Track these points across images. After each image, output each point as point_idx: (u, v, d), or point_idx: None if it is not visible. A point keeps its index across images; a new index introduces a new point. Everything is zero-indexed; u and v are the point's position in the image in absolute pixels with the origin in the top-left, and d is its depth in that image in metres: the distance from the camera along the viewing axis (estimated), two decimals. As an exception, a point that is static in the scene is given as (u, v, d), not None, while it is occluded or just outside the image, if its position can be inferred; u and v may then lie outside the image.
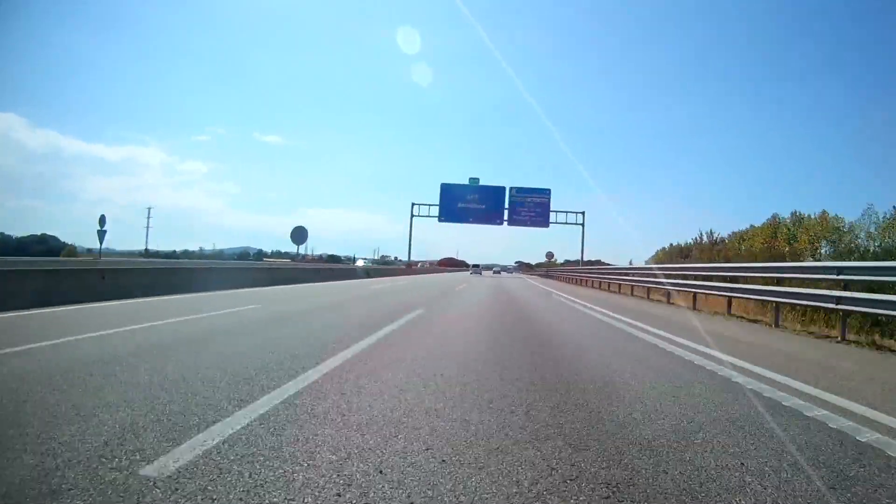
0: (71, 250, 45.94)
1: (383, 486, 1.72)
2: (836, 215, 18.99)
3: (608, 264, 31.62)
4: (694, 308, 10.50)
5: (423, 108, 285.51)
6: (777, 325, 7.68)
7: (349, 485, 1.72)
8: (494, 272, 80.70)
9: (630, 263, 24.35)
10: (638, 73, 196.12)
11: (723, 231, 27.47)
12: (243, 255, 74.65)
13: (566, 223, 41.90)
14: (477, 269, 78.47)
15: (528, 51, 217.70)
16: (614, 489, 1.77)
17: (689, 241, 29.43)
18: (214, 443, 2.06)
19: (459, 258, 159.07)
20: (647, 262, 27.17)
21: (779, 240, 20.60)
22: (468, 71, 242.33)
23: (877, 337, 6.41)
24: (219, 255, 71.87)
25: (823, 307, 6.92)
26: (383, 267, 44.31)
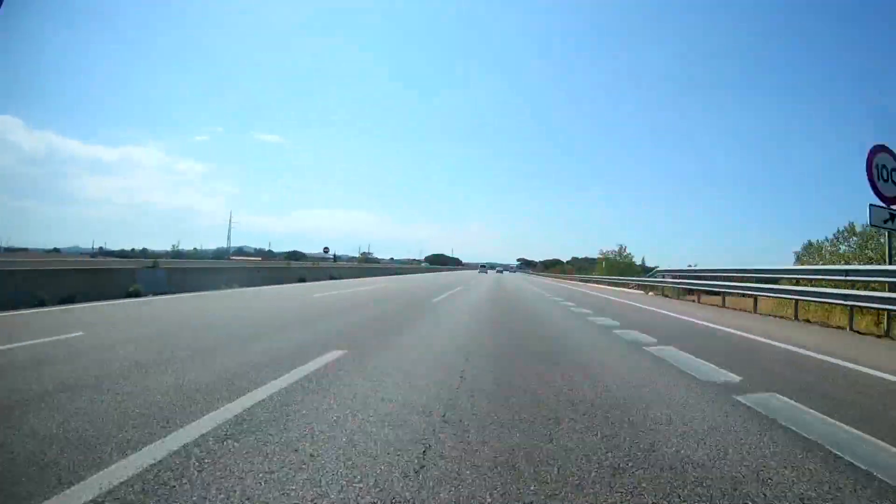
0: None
1: None
2: None
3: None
4: None
5: (422, 112, 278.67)
6: None
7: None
8: (497, 271, 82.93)
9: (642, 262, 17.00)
10: (637, 73, 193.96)
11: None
12: (220, 254, 69.67)
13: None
14: (484, 268, 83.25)
15: (529, 48, 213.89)
16: None
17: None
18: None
19: (453, 256, 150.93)
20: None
21: None
22: (466, 70, 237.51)
23: None
24: (194, 254, 66.86)
25: None
26: (357, 266, 39.40)
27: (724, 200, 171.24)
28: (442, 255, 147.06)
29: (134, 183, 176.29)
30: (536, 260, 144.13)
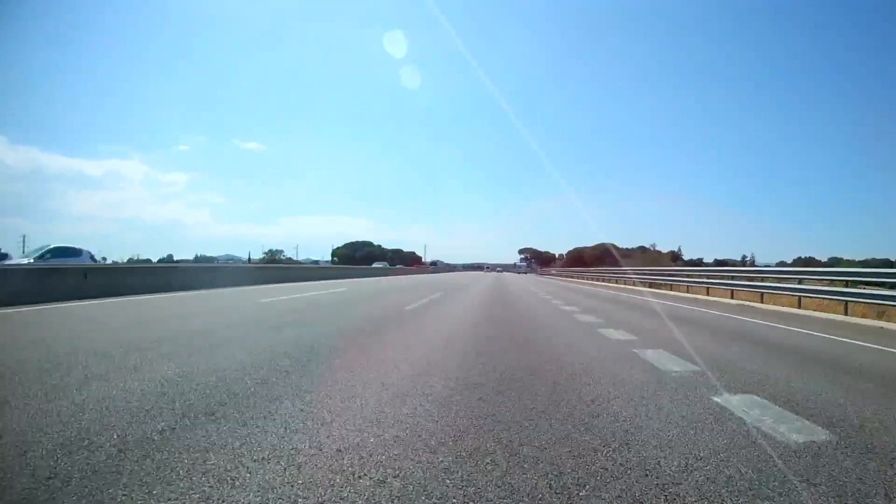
0: None
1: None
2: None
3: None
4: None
5: (410, 112, 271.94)
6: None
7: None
8: (497, 270, 71.16)
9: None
10: (627, 70, 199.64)
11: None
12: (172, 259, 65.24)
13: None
14: (485, 268, 76.28)
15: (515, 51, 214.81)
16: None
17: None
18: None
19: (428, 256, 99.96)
20: None
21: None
22: (456, 74, 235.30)
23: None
24: (146, 260, 62.15)
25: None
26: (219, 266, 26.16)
27: (717, 192, 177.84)
28: (398, 252, 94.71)
29: (120, 197, 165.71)
30: (554, 254, 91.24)
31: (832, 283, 12.03)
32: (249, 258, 75.11)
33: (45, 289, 9.36)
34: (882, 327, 8.26)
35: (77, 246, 19.32)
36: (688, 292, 18.00)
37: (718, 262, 62.17)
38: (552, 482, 1.84)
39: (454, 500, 1.67)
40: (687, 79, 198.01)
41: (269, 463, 1.95)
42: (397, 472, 1.90)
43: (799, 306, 11.34)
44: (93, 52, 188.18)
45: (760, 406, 2.97)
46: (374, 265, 56.66)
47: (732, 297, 14.41)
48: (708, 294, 16.01)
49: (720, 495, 1.77)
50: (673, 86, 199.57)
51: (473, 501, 1.67)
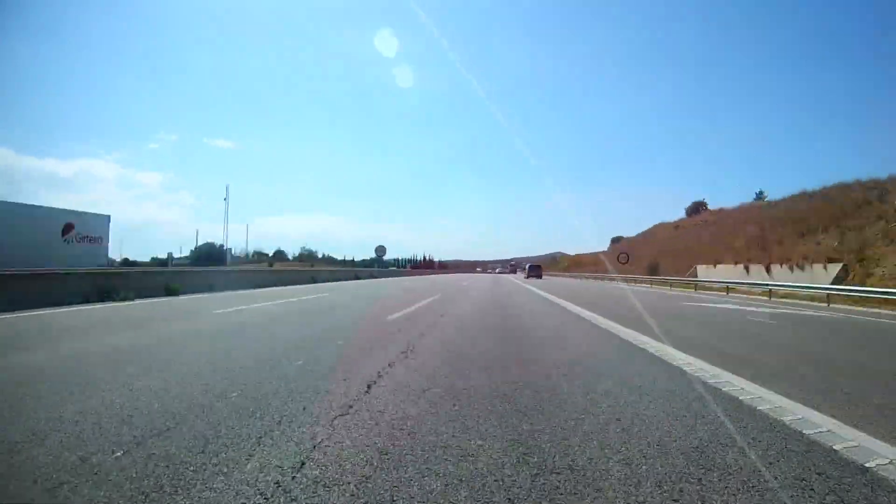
0: None
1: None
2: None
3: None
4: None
5: (401, 110, 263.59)
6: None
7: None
8: (490, 272, 58.78)
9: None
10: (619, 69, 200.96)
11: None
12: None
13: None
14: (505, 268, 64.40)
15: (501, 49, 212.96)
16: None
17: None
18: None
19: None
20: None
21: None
22: (451, 72, 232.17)
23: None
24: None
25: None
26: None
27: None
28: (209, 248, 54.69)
29: (93, 198, 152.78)
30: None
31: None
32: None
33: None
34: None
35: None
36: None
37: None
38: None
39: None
40: (688, 74, 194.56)
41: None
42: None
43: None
44: (60, 49, 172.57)
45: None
46: None
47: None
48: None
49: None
50: (671, 82, 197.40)
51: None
